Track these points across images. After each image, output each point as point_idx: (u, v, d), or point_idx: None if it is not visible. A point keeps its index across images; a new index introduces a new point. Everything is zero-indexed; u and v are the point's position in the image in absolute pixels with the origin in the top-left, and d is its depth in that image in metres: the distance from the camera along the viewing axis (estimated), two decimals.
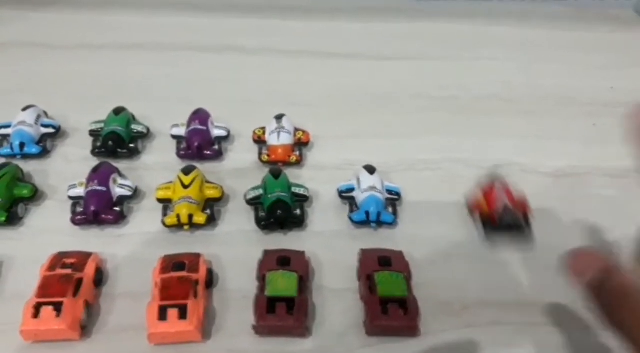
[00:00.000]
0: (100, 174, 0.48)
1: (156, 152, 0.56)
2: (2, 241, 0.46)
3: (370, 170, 0.50)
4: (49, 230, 0.47)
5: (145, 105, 0.59)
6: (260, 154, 0.54)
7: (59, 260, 0.42)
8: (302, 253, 0.44)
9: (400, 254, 0.44)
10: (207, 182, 0.50)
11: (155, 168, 0.54)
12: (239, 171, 0.54)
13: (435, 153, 0.57)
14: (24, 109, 0.55)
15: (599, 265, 0.27)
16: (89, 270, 0.42)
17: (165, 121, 0.57)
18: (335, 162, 0.55)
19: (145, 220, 0.49)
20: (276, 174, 0.49)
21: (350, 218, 0.48)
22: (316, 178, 0.53)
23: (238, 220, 0.49)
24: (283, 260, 0.43)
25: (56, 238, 0.47)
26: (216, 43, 0.72)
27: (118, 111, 0.55)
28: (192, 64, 0.68)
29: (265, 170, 0.53)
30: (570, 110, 0.64)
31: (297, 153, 0.54)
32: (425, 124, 0.61)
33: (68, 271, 0.41)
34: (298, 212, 0.48)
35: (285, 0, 0.81)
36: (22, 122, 0.53)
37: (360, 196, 0.49)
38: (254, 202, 0.49)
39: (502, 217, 0.46)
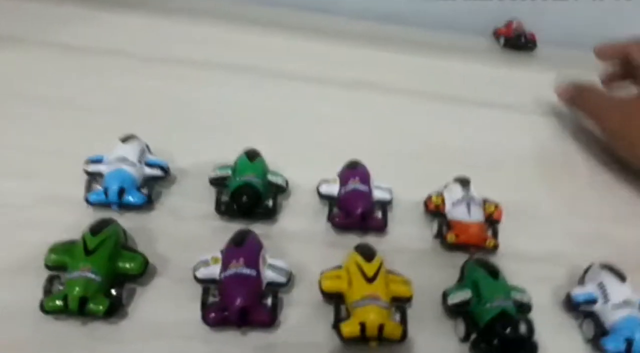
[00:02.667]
0: (248, 249, 0.33)
1: (296, 214, 0.41)
2: (95, 343, 0.31)
3: (620, 275, 0.36)
4: (164, 328, 0.32)
5: (263, 141, 0.44)
6: (439, 230, 0.40)
7: None
8: None
9: None
10: (389, 271, 0.35)
11: (300, 238, 0.39)
12: (409, 252, 0.39)
13: None
14: (125, 140, 0.40)
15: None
16: None
17: (301, 169, 0.43)
18: (540, 251, 0.41)
19: (301, 320, 0.33)
20: (493, 271, 0.35)
21: (600, 345, 0.34)
22: (519, 274, 0.38)
23: (428, 333, 0.34)
24: None
25: (177, 343, 0.31)
26: (351, 78, 0.58)
27: (253, 155, 0.41)
28: (332, 99, 0.54)
29: (444, 254, 0.39)
30: None
31: (490, 233, 0.40)
32: None
33: None
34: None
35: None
36: (123, 159, 0.38)
37: (609, 314, 0.34)
38: (459, 310, 0.34)
39: None
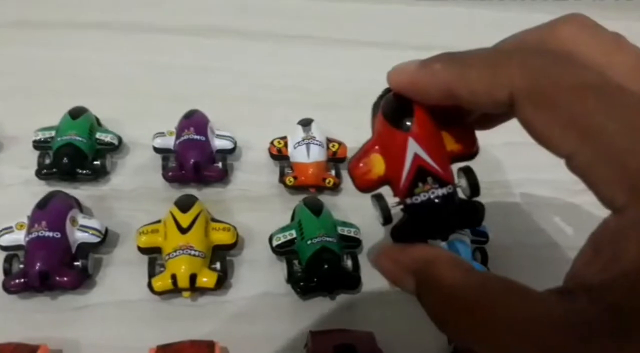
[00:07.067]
0: (52, 212, 0.32)
1: (132, 172, 0.39)
2: None
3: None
4: None
5: (113, 104, 0.43)
6: (282, 174, 0.39)
7: None
8: (369, 335, 0.29)
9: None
10: (213, 220, 0.34)
11: (133, 196, 0.38)
12: (252, 200, 0.39)
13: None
14: None
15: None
16: None
17: (143, 127, 0.41)
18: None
19: (119, 282, 0.32)
20: (316, 209, 0.34)
21: None
22: (360, 210, 0.38)
23: (259, 276, 0.34)
24: (345, 349, 0.28)
25: None
26: (206, 24, 0.55)
27: (76, 113, 0.38)
28: (175, 50, 0.51)
29: (290, 198, 0.38)
30: None
31: (333, 173, 0.40)
32: None
33: None
34: (349, 264, 0.34)
35: None
36: None
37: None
38: (283, 250, 0.34)
39: None
